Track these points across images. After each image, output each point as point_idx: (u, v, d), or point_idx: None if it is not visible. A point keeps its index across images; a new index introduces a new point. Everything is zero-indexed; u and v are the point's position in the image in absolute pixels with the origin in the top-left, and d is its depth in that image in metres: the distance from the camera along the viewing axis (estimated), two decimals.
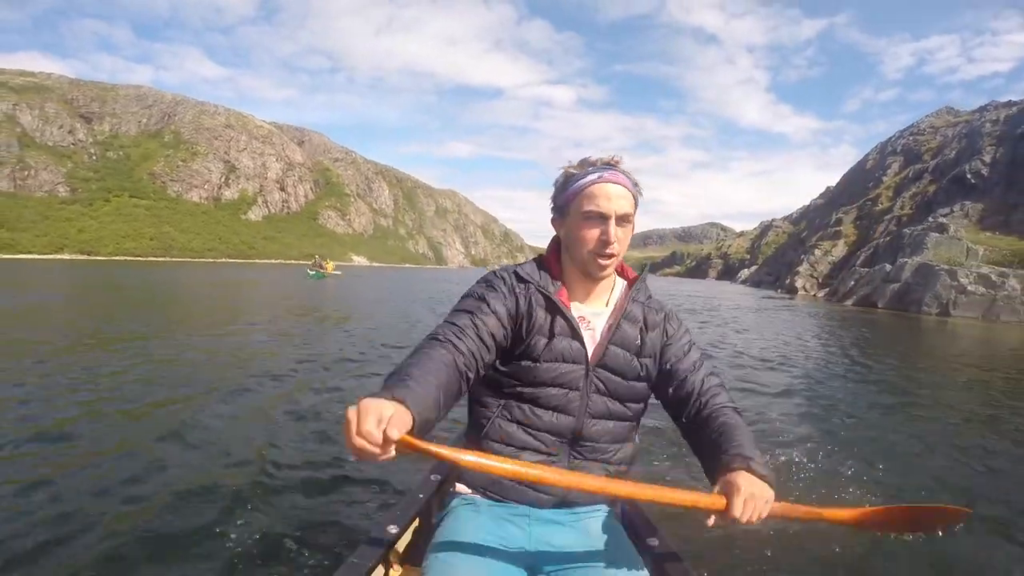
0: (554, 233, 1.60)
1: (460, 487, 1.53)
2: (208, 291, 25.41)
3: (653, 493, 1.23)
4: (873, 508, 1.45)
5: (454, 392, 1.31)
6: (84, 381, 6.47)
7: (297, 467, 3.81)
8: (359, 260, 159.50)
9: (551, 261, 1.55)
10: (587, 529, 1.44)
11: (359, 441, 0.99)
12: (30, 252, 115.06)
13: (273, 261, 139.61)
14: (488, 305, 1.43)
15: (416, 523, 1.69)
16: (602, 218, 1.40)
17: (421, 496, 1.71)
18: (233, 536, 2.82)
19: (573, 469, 1.46)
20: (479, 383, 1.47)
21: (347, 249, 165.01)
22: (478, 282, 1.52)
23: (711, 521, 1.25)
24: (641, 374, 1.52)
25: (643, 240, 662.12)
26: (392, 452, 1.03)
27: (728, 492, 1.23)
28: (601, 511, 1.51)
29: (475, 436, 1.53)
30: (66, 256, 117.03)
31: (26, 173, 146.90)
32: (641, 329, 1.53)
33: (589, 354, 1.47)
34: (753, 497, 1.21)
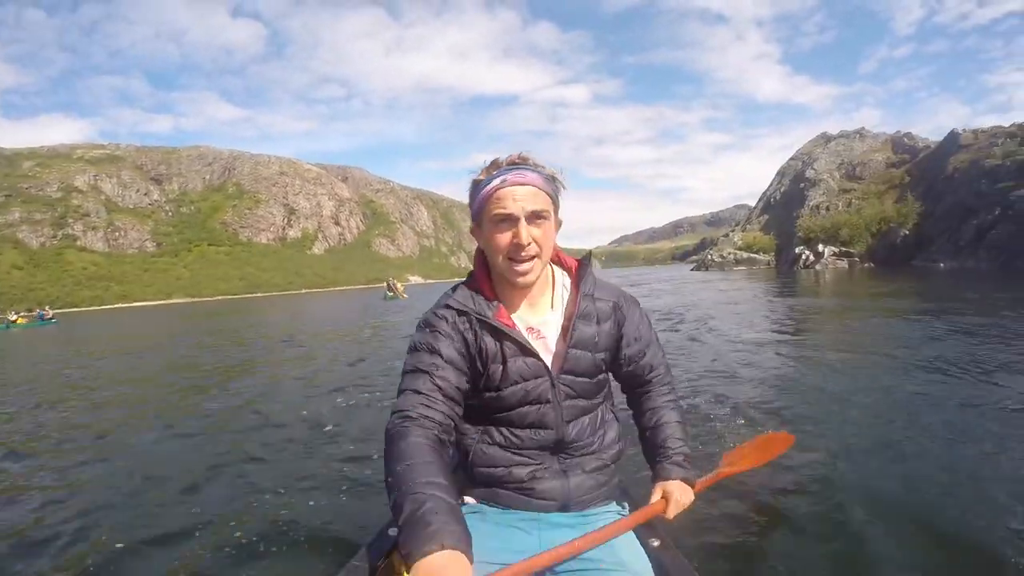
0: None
1: (467, 499, 1.48)
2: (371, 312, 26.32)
3: (615, 529, 1.30)
4: (736, 449, 1.80)
5: (448, 465, 1.28)
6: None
7: (298, 468, 3.66)
8: (414, 279, 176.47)
9: (480, 278, 1.48)
10: (596, 528, 1.36)
11: None
12: (143, 300, 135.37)
13: (346, 288, 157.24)
14: (442, 357, 1.36)
15: None
16: (511, 220, 1.34)
17: None
18: (233, 537, 2.72)
19: (565, 471, 1.45)
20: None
21: (402, 271, 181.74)
22: (421, 329, 1.44)
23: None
24: (602, 367, 1.51)
25: (674, 229, 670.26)
26: None
27: (667, 498, 1.44)
28: (609, 512, 1.49)
29: (461, 463, 1.51)
30: (176, 300, 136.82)
31: (117, 234, 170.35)
32: (596, 323, 1.49)
33: (549, 364, 1.43)
34: (681, 503, 1.45)
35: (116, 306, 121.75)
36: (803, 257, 46.31)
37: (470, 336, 1.41)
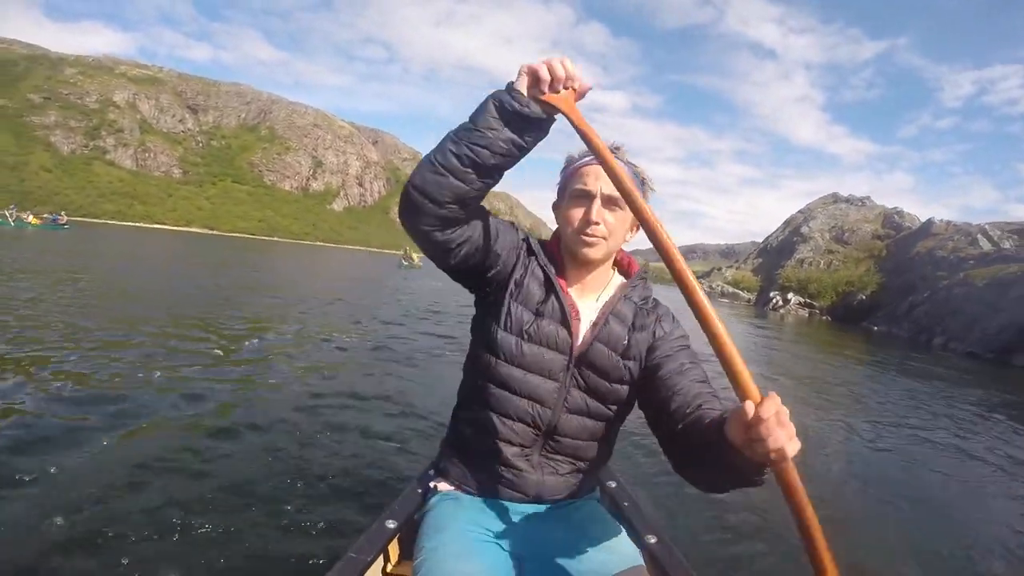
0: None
1: (441, 485, 1.51)
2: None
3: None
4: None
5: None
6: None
7: (297, 461, 3.57)
8: (419, 254, 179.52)
9: (553, 247, 1.50)
10: (573, 517, 1.42)
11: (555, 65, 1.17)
12: (162, 223, 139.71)
13: (358, 248, 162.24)
14: (499, 230, 1.40)
15: (415, 518, 1.66)
16: (588, 196, 1.36)
17: (420, 491, 1.67)
18: (230, 530, 2.64)
19: (543, 466, 1.44)
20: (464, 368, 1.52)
21: (412, 243, 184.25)
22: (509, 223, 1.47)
23: (737, 432, 0.92)
24: (625, 377, 1.42)
25: (688, 253, 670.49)
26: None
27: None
28: (587, 500, 1.50)
29: (447, 438, 1.58)
30: (195, 229, 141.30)
31: (147, 155, 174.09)
32: (629, 329, 1.43)
33: (574, 346, 1.40)
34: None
35: (137, 224, 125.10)
36: (773, 301, 50.97)
37: (520, 269, 1.43)
